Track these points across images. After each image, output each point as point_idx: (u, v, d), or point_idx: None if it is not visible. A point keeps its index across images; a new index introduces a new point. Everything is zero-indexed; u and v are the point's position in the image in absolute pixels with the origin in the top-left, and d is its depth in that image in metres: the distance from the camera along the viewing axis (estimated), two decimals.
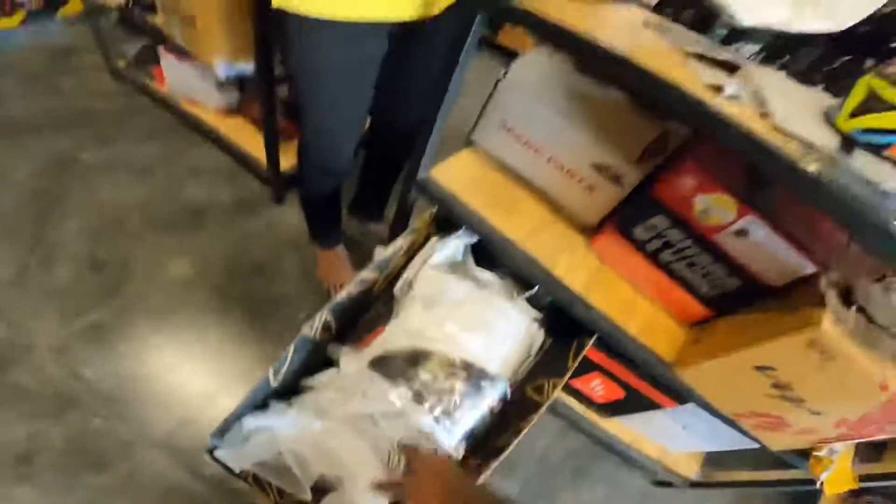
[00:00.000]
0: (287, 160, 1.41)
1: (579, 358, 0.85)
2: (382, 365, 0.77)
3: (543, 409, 0.77)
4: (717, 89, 0.55)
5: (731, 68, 0.61)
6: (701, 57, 0.62)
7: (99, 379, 1.12)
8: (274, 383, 0.74)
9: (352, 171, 1.15)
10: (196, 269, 1.34)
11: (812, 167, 0.48)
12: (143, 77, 1.79)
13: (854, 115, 0.57)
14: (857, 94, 0.56)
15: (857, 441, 0.76)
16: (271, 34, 1.09)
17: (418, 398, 0.73)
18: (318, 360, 0.85)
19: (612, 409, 1.13)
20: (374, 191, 1.36)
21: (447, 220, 0.92)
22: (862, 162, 0.54)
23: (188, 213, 1.47)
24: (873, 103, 0.55)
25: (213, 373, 1.18)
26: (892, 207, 0.48)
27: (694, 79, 0.56)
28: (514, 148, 0.90)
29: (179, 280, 1.31)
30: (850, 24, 0.64)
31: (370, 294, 0.91)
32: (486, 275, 0.92)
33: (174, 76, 1.64)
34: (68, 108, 1.74)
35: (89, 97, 1.80)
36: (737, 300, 0.75)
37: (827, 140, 0.55)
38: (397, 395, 0.73)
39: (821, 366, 0.62)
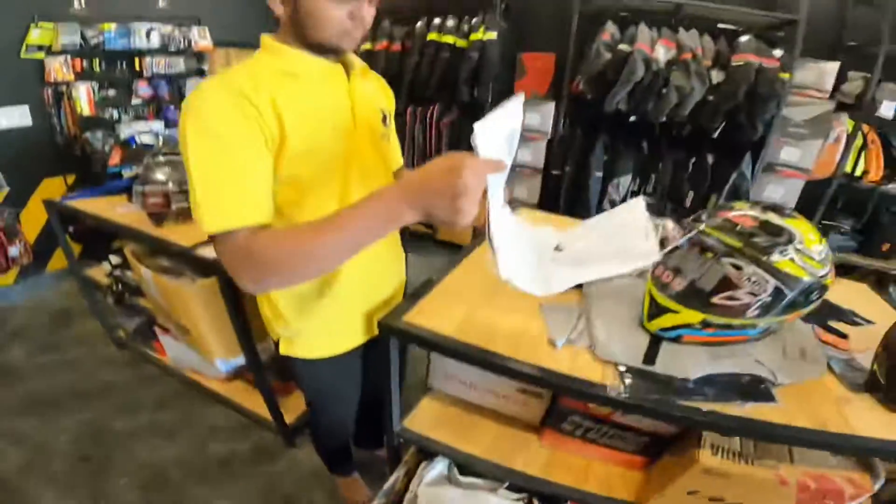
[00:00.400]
0: (290, 414, 1.70)
1: None
2: None
3: None
4: (552, 344, 0.85)
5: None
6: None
7: None
8: None
9: None
10: None
11: (617, 391, 0.75)
12: (145, 348, 2.09)
13: (651, 318, 0.86)
14: (646, 301, 0.87)
15: None
16: (250, 331, 1.42)
17: None
18: None
19: None
20: (370, 428, 1.60)
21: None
22: (669, 355, 0.81)
23: (216, 464, 1.69)
24: (655, 308, 0.85)
25: None
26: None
27: (539, 342, 0.87)
28: (459, 387, 1.17)
29: None
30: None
31: None
32: (470, 479, 1.12)
33: (174, 352, 1.94)
34: (85, 380, 2.05)
35: (101, 368, 2.12)
36: (656, 447, 0.97)
37: (640, 343, 0.84)
38: None
39: (727, 483, 0.81)
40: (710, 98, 2.37)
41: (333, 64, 0.86)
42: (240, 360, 1.62)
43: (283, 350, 1.07)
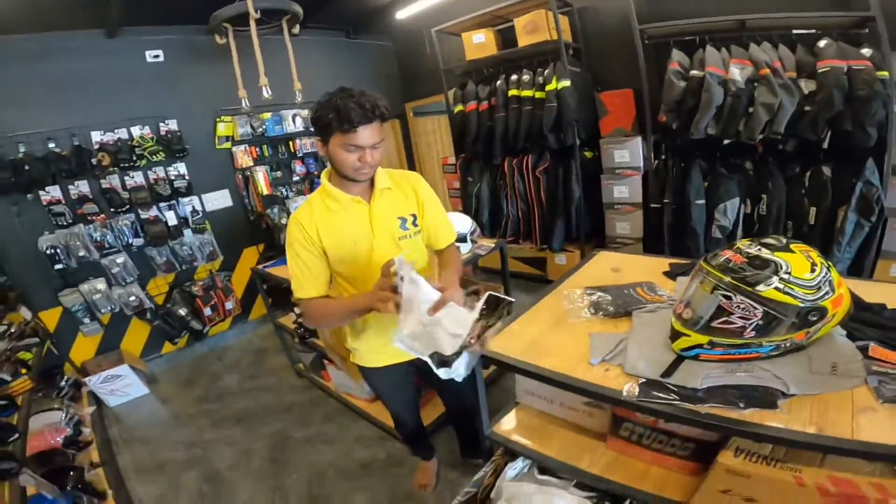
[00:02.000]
0: None
1: None
2: None
3: None
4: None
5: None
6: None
7: None
8: None
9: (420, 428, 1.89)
10: (371, 501, 1.98)
11: (629, 394, 0.96)
12: (317, 377, 2.75)
13: (673, 341, 1.03)
14: (670, 328, 1.05)
15: None
16: None
17: None
18: None
19: None
20: (465, 439, 1.98)
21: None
22: (686, 371, 0.99)
23: (359, 466, 2.16)
24: (674, 332, 1.02)
25: None
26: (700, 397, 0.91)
27: (582, 361, 1.11)
28: (538, 401, 1.44)
29: None
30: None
31: (476, 500, 1.38)
32: (545, 476, 1.35)
33: (336, 378, 2.54)
34: (276, 401, 2.76)
35: (287, 392, 2.83)
36: (704, 453, 1.09)
37: (665, 361, 1.02)
38: None
39: (750, 483, 0.93)
40: (808, 109, 2.27)
41: (355, 197, 1.28)
42: None
43: (350, 359, 1.57)
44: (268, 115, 3.52)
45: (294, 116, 3.67)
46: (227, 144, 3.42)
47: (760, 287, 0.88)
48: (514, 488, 1.33)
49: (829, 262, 0.93)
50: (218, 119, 3.33)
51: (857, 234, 2.36)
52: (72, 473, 1.91)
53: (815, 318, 0.89)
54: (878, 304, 1.16)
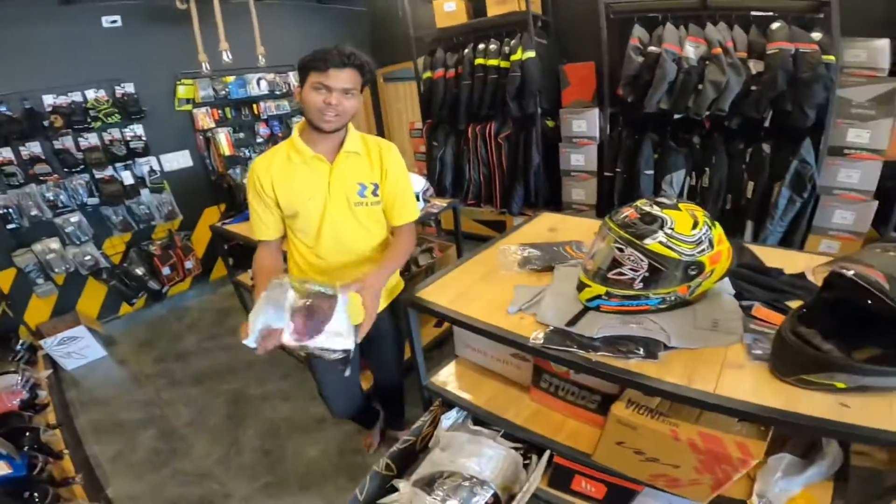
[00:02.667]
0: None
1: (541, 463, 1.30)
2: (422, 483, 1.29)
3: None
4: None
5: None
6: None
7: None
8: (360, 497, 1.30)
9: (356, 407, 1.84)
10: (323, 454, 2.07)
11: (536, 340, 1.05)
12: None
13: (579, 291, 1.12)
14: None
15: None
16: None
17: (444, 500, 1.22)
18: (386, 489, 1.37)
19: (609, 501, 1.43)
20: (388, 415, 2.03)
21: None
22: (588, 321, 1.08)
23: (314, 421, 2.25)
24: (580, 284, 1.11)
25: None
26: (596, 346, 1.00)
27: (502, 309, 1.19)
28: (474, 354, 1.53)
29: (313, 459, 2.06)
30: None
31: (415, 448, 1.49)
32: (478, 427, 1.46)
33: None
34: (235, 359, 2.81)
35: (246, 351, 2.72)
36: (608, 407, 1.19)
37: (573, 311, 1.11)
38: (431, 500, 1.23)
39: (637, 435, 1.04)
40: (753, 88, 2.36)
41: (318, 154, 1.28)
42: None
43: None
44: (231, 79, 3.55)
45: (259, 80, 3.69)
46: (188, 107, 3.42)
47: (647, 241, 0.97)
48: (449, 437, 1.42)
49: (714, 222, 1.02)
50: (178, 82, 3.32)
51: (789, 209, 2.51)
52: (28, 434, 1.93)
53: (694, 273, 0.99)
54: (776, 268, 1.27)
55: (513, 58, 3.12)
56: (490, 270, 1.46)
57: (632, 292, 1.03)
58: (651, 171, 2.87)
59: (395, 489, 1.34)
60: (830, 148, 2.43)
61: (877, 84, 2.24)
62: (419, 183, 2.36)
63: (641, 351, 0.97)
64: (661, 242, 0.96)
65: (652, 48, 2.56)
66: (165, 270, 3.39)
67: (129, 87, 3.12)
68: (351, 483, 1.84)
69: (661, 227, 0.97)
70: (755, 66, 2.37)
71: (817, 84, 2.21)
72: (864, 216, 2.45)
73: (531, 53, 3.05)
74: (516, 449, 1.39)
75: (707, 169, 2.72)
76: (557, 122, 3.33)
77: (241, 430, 2.27)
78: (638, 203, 1.05)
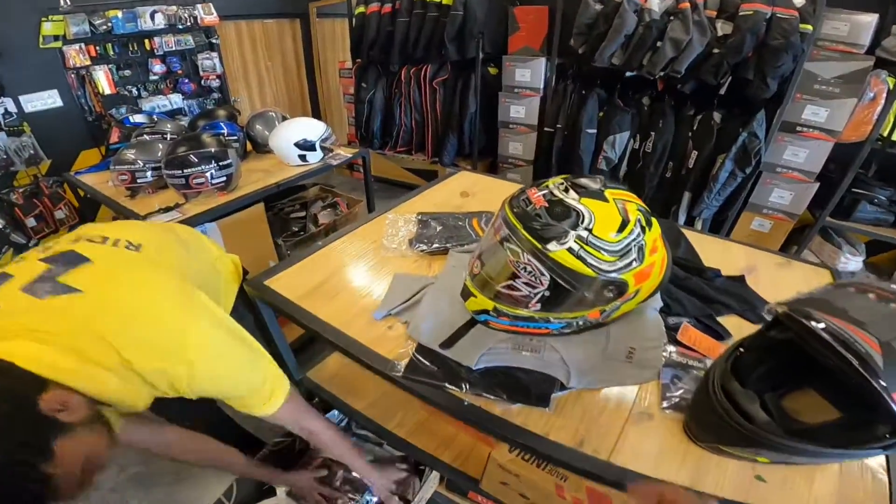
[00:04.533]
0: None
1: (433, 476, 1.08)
2: None
3: None
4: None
5: None
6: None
7: None
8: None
9: None
10: None
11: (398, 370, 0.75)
12: None
13: (465, 298, 0.82)
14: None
15: None
16: None
17: None
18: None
19: None
20: None
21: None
22: (471, 341, 0.80)
23: None
24: (465, 290, 0.81)
25: None
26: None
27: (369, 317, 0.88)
28: None
29: None
30: None
31: (292, 450, 1.21)
32: (363, 431, 1.21)
33: None
34: None
35: None
36: None
37: (454, 324, 0.82)
38: None
39: (520, 482, 0.81)
40: (715, 51, 2.08)
41: None
42: None
43: None
44: (117, 12, 3.05)
45: (153, 13, 3.20)
46: (57, 44, 2.96)
47: (552, 245, 0.67)
48: None
49: (652, 218, 0.74)
50: (43, 18, 2.85)
51: (728, 183, 2.35)
52: None
53: (611, 295, 0.71)
54: (713, 268, 1.04)
55: None
56: (372, 248, 1.14)
57: (525, 313, 0.74)
58: (594, 131, 2.60)
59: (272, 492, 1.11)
60: (783, 123, 2.24)
61: (849, 61, 2.01)
62: (317, 129, 1.92)
63: (531, 392, 0.71)
64: (570, 250, 0.66)
65: None
66: (30, 221, 2.93)
67: None
68: None
69: (575, 226, 0.67)
70: (722, 28, 2.08)
71: (786, 54, 1.96)
72: (803, 197, 2.34)
73: None
74: (404, 459, 1.16)
75: (652, 133, 2.48)
76: (501, 69, 2.93)
77: None
78: (550, 183, 0.73)
